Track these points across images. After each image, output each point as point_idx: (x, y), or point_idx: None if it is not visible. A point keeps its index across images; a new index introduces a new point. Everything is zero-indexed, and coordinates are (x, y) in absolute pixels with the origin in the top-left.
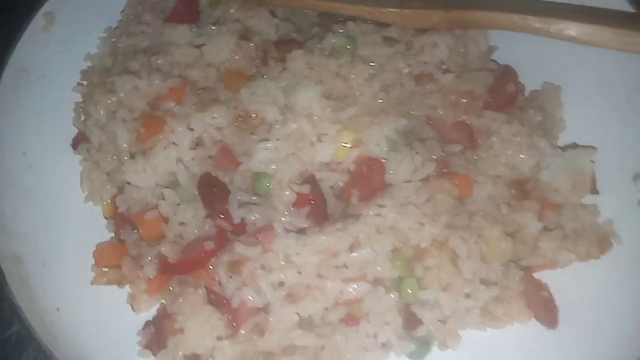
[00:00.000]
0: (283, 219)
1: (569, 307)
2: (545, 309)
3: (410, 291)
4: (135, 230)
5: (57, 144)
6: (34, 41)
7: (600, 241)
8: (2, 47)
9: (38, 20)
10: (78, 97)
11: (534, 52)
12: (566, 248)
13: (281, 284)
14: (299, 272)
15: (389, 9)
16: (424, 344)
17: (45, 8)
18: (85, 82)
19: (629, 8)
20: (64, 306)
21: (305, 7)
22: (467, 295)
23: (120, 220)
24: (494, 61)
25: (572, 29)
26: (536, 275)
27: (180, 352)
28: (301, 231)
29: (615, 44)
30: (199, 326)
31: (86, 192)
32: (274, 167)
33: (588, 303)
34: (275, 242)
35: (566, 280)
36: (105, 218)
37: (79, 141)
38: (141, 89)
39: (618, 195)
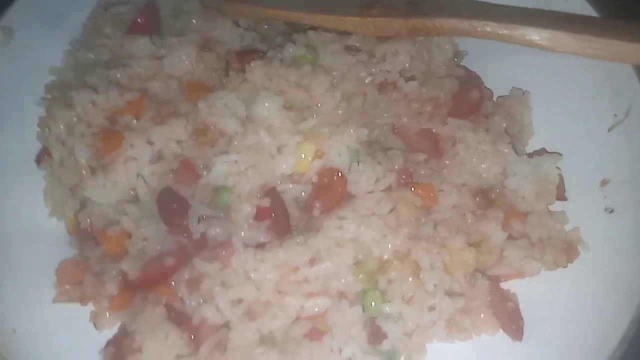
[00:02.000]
0: (242, 233)
1: (536, 318)
2: (510, 320)
3: (374, 304)
4: (98, 246)
5: (20, 159)
6: None
7: (567, 249)
8: None
9: None
10: (43, 112)
11: (502, 57)
12: (533, 257)
13: (240, 300)
14: (258, 288)
15: (350, 17)
16: (390, 358)
17: (1, 22)
18: (49, 96)
19: (592, 12)
20: (22, 327)
21: (265, 17)
22: (432, 308)
23: (83, 236)
24: (463, 67)
25: (533, 34)
26: (504, 284)
27: None
28: (260, 246)
29: (575, 49)
30: (158, 345)
31: (50, 208)
32: (233, 181)
33: (556, 312)
34: (234, 258)
35: (534, 289)
36: (69, 234)
37: (42, 156)
38: (99, 103)
39: (585, 201)
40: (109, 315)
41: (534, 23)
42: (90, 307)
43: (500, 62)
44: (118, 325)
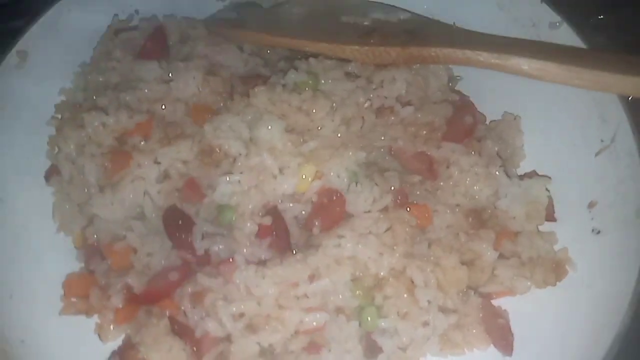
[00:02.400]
0: (245, 250)
1: (526, 334)
2: (501, 336)
3: (370, 319)
4: (105, 261)
5: (30, 176)
6: (8, 77)
7: (556, 268)
8: None
9: (11, 58)
10: (53, 131)
11: (495, 83)
12: (523, 275)
13: (241, 314)
14: (259, 303)
15: (350, 46)
16: None
17: (18, 46)
18: (59, 116)
19: (580, 43)
20: (30, 338)
21: (269, 44)
22: (425, 323)
23: (90, 251)
24: (458, 91)
25: (524, 64)
26: (496, 301)
27: None
28: (262, 263)
29: (562, 79)
30: (162, 356)
31: (58, 224)
32: (237, 200)
33: (544, 328)
34: (236, 274)
35: (524, 307)
36: (76, 249)
37: (51, 174)
38: (109, 125)
39: (574, 222)
40: (114, 327)
41: (524, 53)
42: (95, 319)
43: (493, 88)
44: (122, 337)
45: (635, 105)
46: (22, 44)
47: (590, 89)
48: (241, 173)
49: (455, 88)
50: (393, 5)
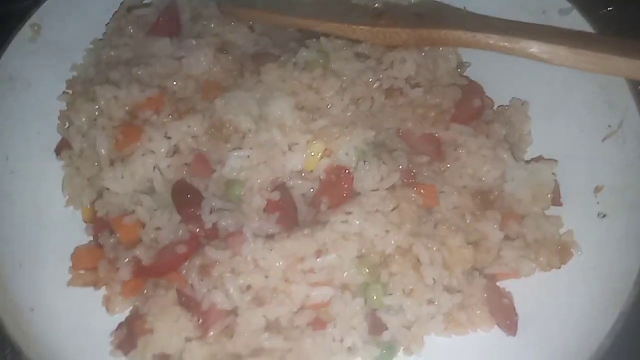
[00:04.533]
0: (253, 224)
1: (529, 315)
2: (505, 316)
3: (375, 297)
4: (113, 234)
5: (40, 149)
6: (21, 51)
7: (561, 251)
8: None
9: (25, 31)
10: (64, 106)
11: (503, 69)
12: (528, 257)
13: (249, 287)
14: (266, 276)
15: (360, 27)
16: (389, 349)
17: (32, 20)
18: (70, 91)
19: (589, 29)
20: (39, 306)
21: (280, 24)
22: (430, 301)
23: (99, 224)
24: (466, 77)
25: (533, 47)
26: (500, 283)
27: (150, 353)
28: (269, 236)
29: (571, 62)
30: (168, 326)
31: (67, 197)
32: (246, 175)
33: (549, 309)
34: (244, 247)
35: (528, 288)
36: (85, 222)
37: (61, 147)
38: (120, 98)
39: (579, 206)
40: (121, 300)
41: (534, 37)
42: (103, 291)
43: (502, 74)
44: (129, 309)
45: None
46: (36, 17)
47: (598, 72)
48: (250, 149)
49: (464, 74)
50: None
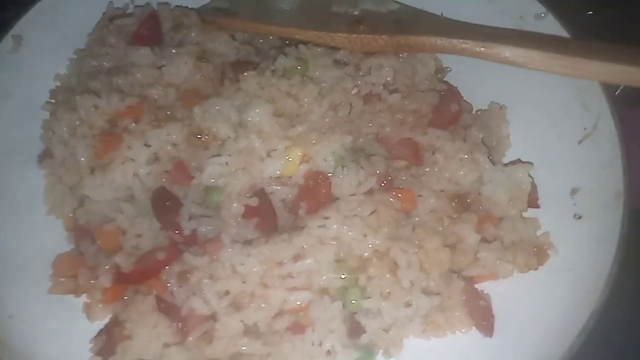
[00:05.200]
0: (231, 230)
1: (506, 316)
2: (483, 318)
3: (353, 300)
4: (94, 242)
5: (23, 159)
6: (2, 62)
7: (538, 253)
8: None
9: (6, 43)
10: (47, 115)
11: (483, 73)
12: (505, 259)
13: (227, 292)
14: (244, 281)
15: (338, 34)
16: (368, 352)
17: (13, 31)
18: (53, 101)
19: (564, 33)
20: (18, 314)
21: (261, 32)
22: (408, 304)
23: (79, 232)
24: (445, 82)
25: (507, 52)
26: (479, 285)
27: (129, 358)
28: (247, 242)
29: (545, 66)
30: (147, 332)
31: (48, 206)
32: (224, 181)
33: (524, 311)
34: (222, 252)
35: (506, 289)
36: (66, 230)
37: (44, 157)
38: (101, 107)
39: (556, 208)
40: (102, 307)
41: (508, 42)
42: (84, 298)
43: (481, 80)
44: (109, 316)
45: (617, 92)
46: (17, 28)
47: (572, 76)
48: (229, 155)
49: (444, 79)
50: None
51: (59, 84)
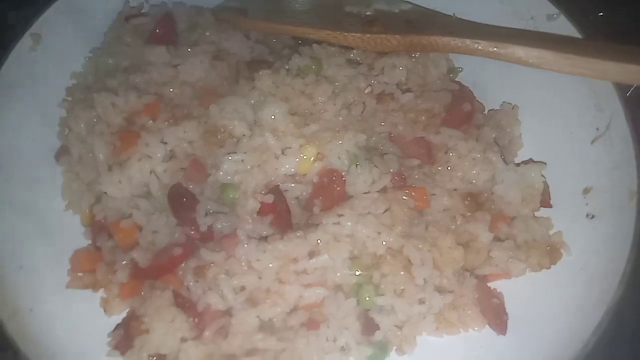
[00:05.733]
0: (247, 226)
1: (519, 314)
2: (496, 316)
3: (367, 297)
4: (111, 238)
5: (40, 155)
6: (21, 60)
7: (550, 252)
8: None
9: (25, 41)
10: (63, 113)
11: (494, 74)
12: (518, 258)
13: (242, 288)
14: (260, 277)
15: (352, 34)
16: (381, 349)
17: (32, 29)
18: (70, 98)
19: (576, 33)
20: (38, 307)
21: (275, 32)
22: (421, 302)
23: (97, 228)
24: (457, 82)
25: (520, 52)
26: (492, 284)
27: (146, 353)
28: (263, 238)
29: (559, 66)
30: (164, 326)
31: (66, 201)
32: (240, 178)
33: (538, 310)
34: (238, 249)
35: (519, 289)
36: (84, 226)
37: (61, 154)
38: (118, 105)
39: (569, 208)
40: (119, 301)
41: (521, 42)
42: (101, 293)
43: (493, 79)
44: (126, 311)
45: (630, 98)
46: (36, 27)
47: (585, 75)
48: (244, 153)
49: (456, 79)
50: None
51: (75, 81)
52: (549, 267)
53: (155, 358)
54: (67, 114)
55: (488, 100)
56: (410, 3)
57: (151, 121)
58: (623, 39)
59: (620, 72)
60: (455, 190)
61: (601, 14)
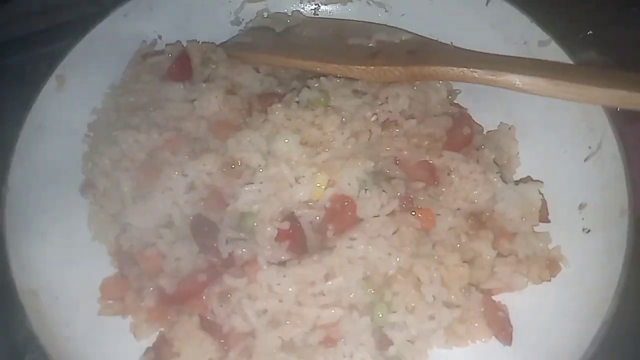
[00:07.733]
0: (266, 252)
1: (523, 325)
2: (501, 328)
3: (380, 315)
4: (137, 266)
5: (67, 189)
6: (48, 101)
7: (550, 265)
8: (21, 107)
9: (51, 82)
10: (86, 147)
11: (491, 97)
12: (520, 272)
13: (265, 311)
14: (280, 300)
15: (357, 67)
16: None
17: (57, 72)
18: (92, 134)
19: (566, 58)
20: (74, 335)
21: (284, 65)
22: (432, 317)
23: (123, 257)
24: (456, 104)
25: (515, 80)
26: (495, 297)
27: None
28: (282, 263)
29: (550, 92)
30: (193, 350)
31: (93, 232)
32: (257, 207)
33: (540, 320)
34: (259, 274)
35: (522, 300)
36: (110, 255)
37: (86, 187)
38: (141, 141)
39: (566, 223)
40: (147, 326)
41: (515, 70)
42: (130, 319)
43: (490, 101)
44: (155, 334)
45: (618, 115)
46: (60, 69)
47: (576, 101)
48: (261, 183)
49: (454, 101)
50: (395, 27)
51: (95, 117)
52: (549, 280)
53: None
54: (90, 149)
55: (485, 121)
56: (410, 32)
57: (172, 155)
58: (612, 56)
59: (608, 98)
60: (458, 210)
61: (590, 32)
